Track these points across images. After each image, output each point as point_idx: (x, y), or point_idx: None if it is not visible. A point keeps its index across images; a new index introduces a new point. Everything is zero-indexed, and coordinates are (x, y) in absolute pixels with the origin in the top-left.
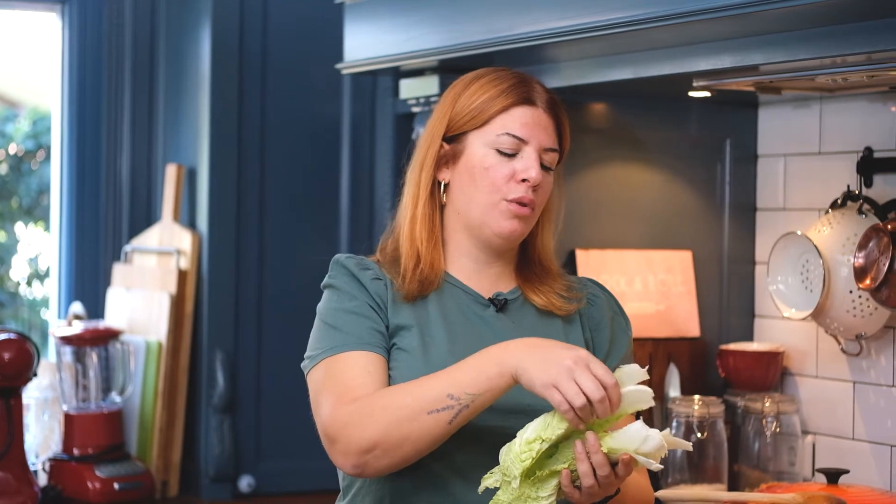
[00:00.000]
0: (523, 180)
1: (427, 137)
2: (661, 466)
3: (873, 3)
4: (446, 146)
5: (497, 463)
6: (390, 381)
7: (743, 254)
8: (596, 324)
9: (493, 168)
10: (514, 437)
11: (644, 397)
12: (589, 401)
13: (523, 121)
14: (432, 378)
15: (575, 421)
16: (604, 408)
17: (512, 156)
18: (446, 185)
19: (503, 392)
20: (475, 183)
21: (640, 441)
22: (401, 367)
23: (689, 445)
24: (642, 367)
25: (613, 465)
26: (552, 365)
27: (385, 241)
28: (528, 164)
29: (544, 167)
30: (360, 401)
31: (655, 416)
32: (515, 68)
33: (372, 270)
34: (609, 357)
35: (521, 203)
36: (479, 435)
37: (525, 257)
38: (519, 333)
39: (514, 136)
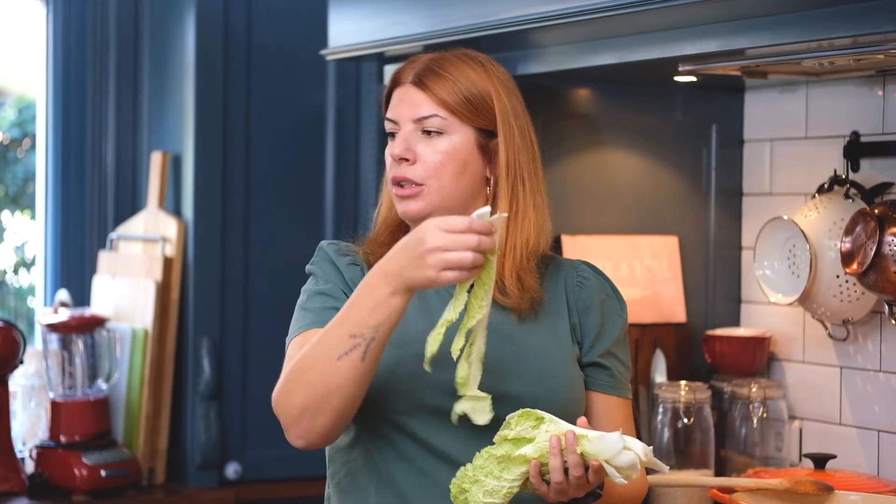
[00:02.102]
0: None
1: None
2: (625, 482)
3: None
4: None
5: (478, 448)
6: None
7: (729, 239)
8: (585, 307)
9: (386, 154)
10: (494, 422)
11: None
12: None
13: (394, 104)
14: (332, 324)
15: (478, 270)
16: (487, 244)
17: (395, 136)
18: None
19: (403, 310)
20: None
21: (614, 452)
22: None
23: (666, 468)
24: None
25: (587, 468)
26: (423, 258)
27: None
28: (395, 141)
29: (429, 132)
30: (283, 374)
31: (642, 402)
32: (499, 53)
33: (350, 256)
34: (599, 340)
35: (398, 181)
36: (460, 421)
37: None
38: (503, 321)
39: (388, 119)
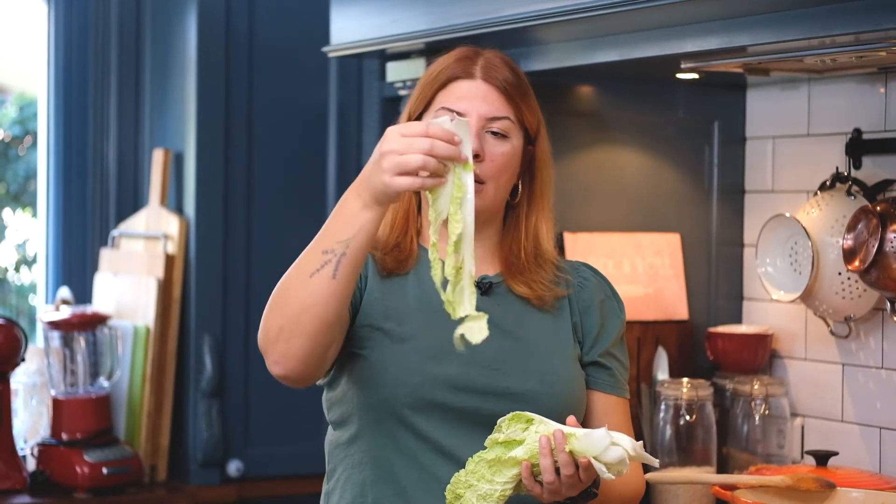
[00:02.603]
0: None
1: (400, 121)
2: (614, 477)
3: None
4: None
5: (479, 445)
6: (366, 362)
7: (731, 236)
8: (585, 307)
9: None
10: (496, 420)
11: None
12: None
13: (459, 94)
14: (311, 244)
15: (438, 180)
16: (442, 149)
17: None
18: None
19: (375, 225)
20: None
21: (602, 448)
22: (375, 349)
23: (655, 462)
24: (630, 353)
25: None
26: (380, 162)
27: None
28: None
29: (496, 134)
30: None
31: (644, 400)
32: (501, 51)
33: None
34: (599, 340)
35: None
36: (462, 417)
37: (511, 241)
38: (506, 318)
39: (450, 109)
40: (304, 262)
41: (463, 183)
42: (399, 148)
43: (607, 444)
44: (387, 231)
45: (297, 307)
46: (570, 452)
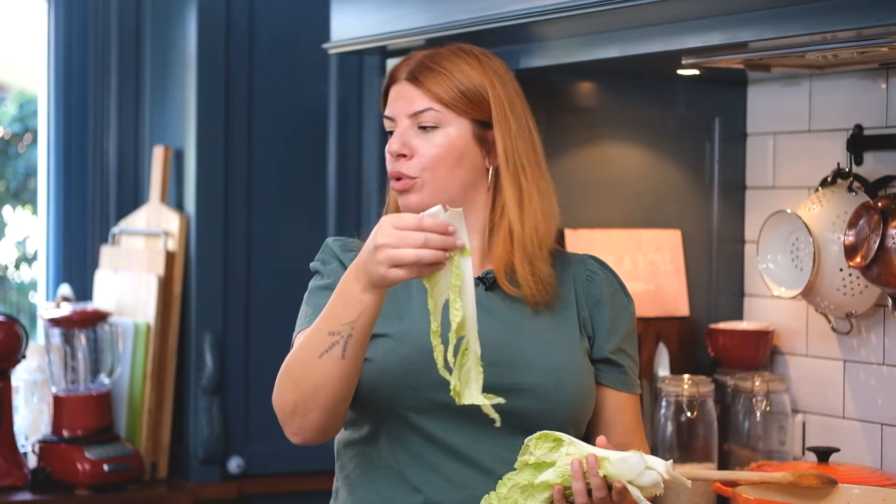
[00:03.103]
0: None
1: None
2: (648, 503)
3: None
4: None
5: (487, 442)
6: (371, 366)
7: (732, 232)
8: (595, 301)
9: (386, 152)
10: (504, 416)
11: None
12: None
13: (390, 101)
14: (316, 322)
15: (434, 268)
16: (436, 242)
17: (393, 133)
18: None
19: (377, 306)
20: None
21: (637, 473)
22: (380, 353)
23: (688, 483)
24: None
25: (610, 488)
26: (374, 254)
27: None
28: (392, 137)
29: (426, 128)
30: (279, 374)
31: (646, 396)
32: (501, 47)
33: (354, 252)
34: (611, 336)
35: (394, 177)
36: (469, 416)
37: (500, 238)
38: (511, 313)
39: (385, 116)
40: (313, 342)
41: (461, 270)
42: (393, 242)
43: (642, 469)
44: None
45: (310, 386)
46: (605, 476)
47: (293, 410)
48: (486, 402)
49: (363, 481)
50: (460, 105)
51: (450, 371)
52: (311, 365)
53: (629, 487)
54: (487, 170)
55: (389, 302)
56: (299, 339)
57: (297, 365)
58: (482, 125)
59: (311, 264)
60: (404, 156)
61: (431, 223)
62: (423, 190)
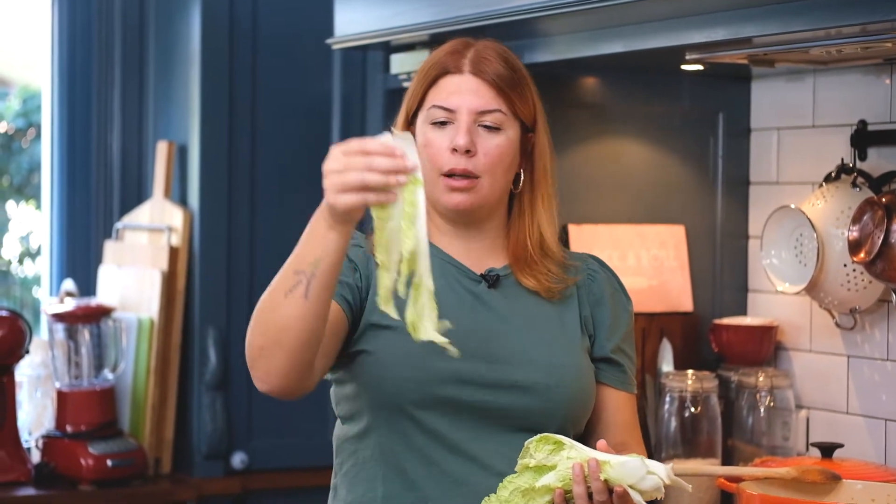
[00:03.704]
0: (454, 150)
1: (398, 122)
2: None
3: None
4: (411, 129)
5: (487, 439)
6: (373, 359)
7: (736, 228)
8: (596, 300)
9: (431, 143)
10: (504, 413)
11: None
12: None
13: (449, 90)
14: (284, 265)
15: (384, 196)
16: (378, 163)
17: (445, 126)
18: None
19: (341, 245)
20: (424, 161)
21: (639, 478)
22: (381, 346)
23: (689, 487)
24: (635, 345)
25: (611, 492)
26: (325, 182)
27: None
28: (457, 131)
29: (489, 128)
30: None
31: (649, 392)
32: (506, 42)
33: (354, 238)
34: (611, 335)
35: (453, 175)
36: (470, 412)
37: (517, 232)
38: (513, 311)
39: (440, 106)
40: (278, 282)
41: (415, 198)
42: (338, 167)
43: (643, 474)
44: None
45: (274, 327)
46: (605, 481)
47: (259, 353)
48: (442, 340)
49: (361, 478)
50: (522, 110)
51: (401, 311)
52: (277, 305)
53: (630, 492)
54: (518, 174)
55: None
56: None
57: (264, 306)
58: (525, 130)
59: None
60: (469, 152)
61: (376, 146)
62: (480, 191)
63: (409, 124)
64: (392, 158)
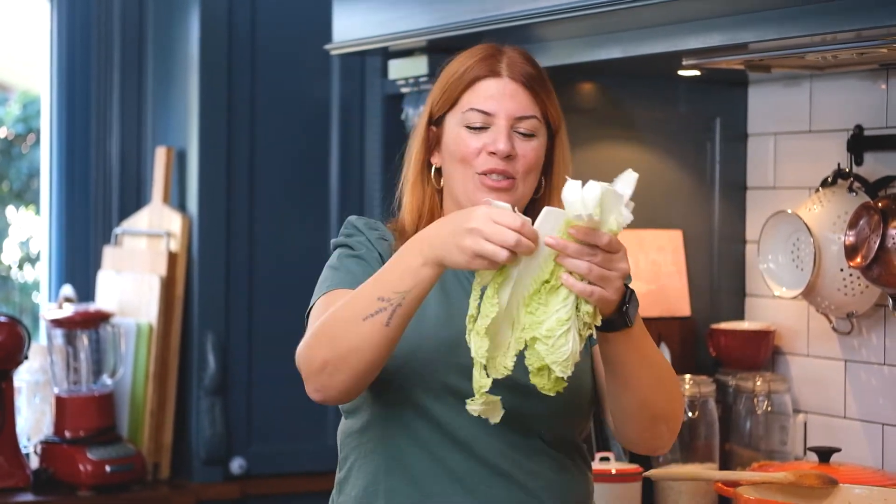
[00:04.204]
0: (492, 153)
1: (419, 122)
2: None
3: None
4: (434, 129)
5: (492, 438)
6: None
7: (733, 233)
8: None
9: (464, 144)
10: (508, 412)
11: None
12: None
13: (488, 94)
14: (365, 285)
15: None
16: (525, 248)
17: (482, 130)
18: (439, 169)
19: (433, 282)
20: (454, 162)
21: (576, 199)
22: None
23: (630, 181)
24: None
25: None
26: (462, 236)
27: (394, 221)
28: (495, 135)
29: (524, 134)
30: (310, 329)
31: None
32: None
33: (379, 231)
34: None
35: (492, 174)
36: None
37: None
38: None
39: (479, 110)
40: (358, 304)
41: (511, 272)
42: (489, 233)
43: (579, 196)
44: (412, 220)
45: (346, 347)
46: (564, 233)
47: (322, 368)
48: (495, 399)
49: (364, 472)
50: (552, 114)
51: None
52: (353, 326)
53: (580, 214)
54: (539, 178)
55: None
56: (325, 298)
57: (338, 324)
58: (550, 139)
59: (334, 240)
60: (510, 156)
61: (529, 230)
62: (516, 193)
63: (430, 125)
64: (531, 245)
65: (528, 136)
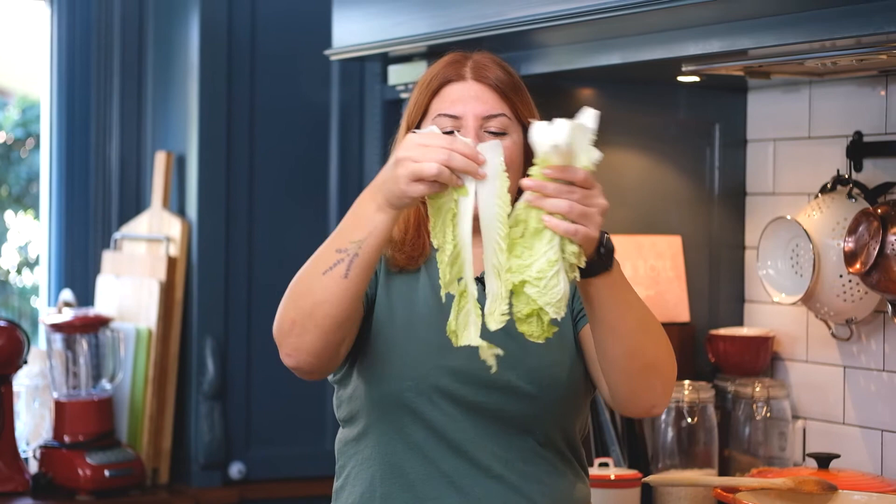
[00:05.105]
0: None
1: (398, 136)
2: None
3: None
4: None
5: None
6: (374, 356)
7: (732, 239)
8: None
9: None
10: (501, 414)
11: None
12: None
13: (453, 97)
14: (326, 241)
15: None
16: (460, 163)
17: (452, 133)
18: None
19: (388, 227)
20: None
21: (553, 140)
22: (383, 343)
23: (594, 115)
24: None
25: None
26: (395, 167)
27: None
28: (465, 136)
29: (495, 133)
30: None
31: None
32: (503, 53)
33: None
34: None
35: None
36: (468, 409)
37: None
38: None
39: (446, 115)
40: (319, 259)
41: (460, 206)
42: (416, 155)
43: (549, 133)
44: (403, 227)
45: (310, 303)
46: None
47: (290, 328)
48: (483, 345)
49: (361, 478)
50: (524, 113)
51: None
52: (314, 281)
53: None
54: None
55: (392, 295)
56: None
57: (302, 282)
58: (527, 135)
59: None
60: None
61: (462, 145)
62: None
63: None
64: (470, 159)
65: (500, 134)
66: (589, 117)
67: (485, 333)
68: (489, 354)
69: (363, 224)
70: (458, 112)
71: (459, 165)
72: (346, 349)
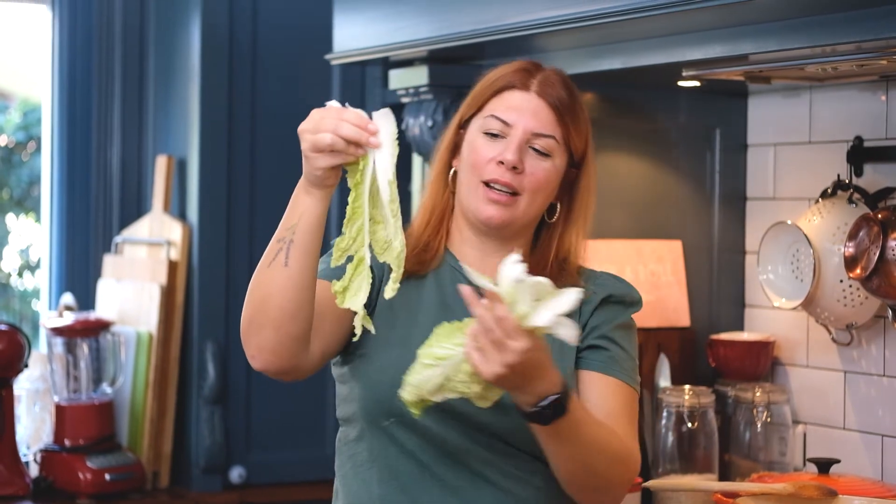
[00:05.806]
0: (500, 163)
1: (451, 124)
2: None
3: None
4: (461, 132)
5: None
6: (369, 363)
7: (733, 243)
8: (589, 311)
9: (478, 149)
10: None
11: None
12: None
13: (510, 104)
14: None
15: (348, 156)
16: (350, 132)
17: (498, 139)
18: (455, 172)
19: (316, 209)
20: (466, 167)
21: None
22: (380, 351)
23: (573, 298)
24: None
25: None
26: (301, 144)
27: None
28: (507, 145)
29: (539, 152)
30: None
31: (646, 407)
32: (504, 58)
33: None
34: (596, 328)
35: (494, 185)
36: (460, 418)
37: (541, 250)
38: None
39: (498, 118)
40: (265, 254)
41: (369, 172)
42: (310, 127)
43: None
44: (419, 230)
45: (259, 297)
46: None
47: (249, 326)
48: (362, 313)
49: (359, 480)
50: (575, 141)
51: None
52: (262, 275)
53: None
54: (554, 204)
55: (394, 302)
56: None
57: (253, 280)
58: (571, 164)
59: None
60: (516, 168)
61: (351, 114)
62: (516, 210)
63: (461, 128)
64: (358, 127)
65: (543, 154)
66: (564, 300)
67: None
68: (362, 324)
69: (295, 209)
70: (510, 119)
71: (349, 133)
72: (319, 350)
